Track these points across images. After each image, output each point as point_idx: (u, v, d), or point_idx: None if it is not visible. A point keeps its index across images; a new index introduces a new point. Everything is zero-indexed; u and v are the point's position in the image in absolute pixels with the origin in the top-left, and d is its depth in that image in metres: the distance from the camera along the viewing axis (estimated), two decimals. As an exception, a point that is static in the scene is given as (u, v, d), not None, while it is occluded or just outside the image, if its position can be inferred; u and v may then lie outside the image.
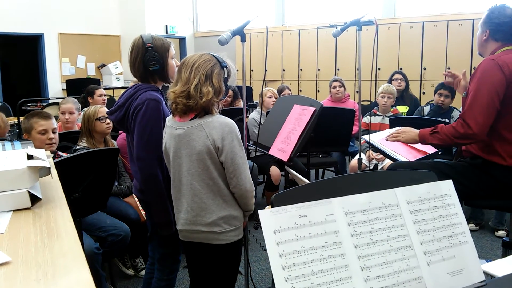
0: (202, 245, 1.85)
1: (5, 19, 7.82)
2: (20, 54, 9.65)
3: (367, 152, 3.78)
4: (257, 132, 2.81)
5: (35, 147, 1.59)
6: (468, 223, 3.70)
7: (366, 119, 4.25)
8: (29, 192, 1.16)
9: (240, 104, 4.80)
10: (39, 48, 8.62)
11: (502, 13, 2.33)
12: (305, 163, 3.06)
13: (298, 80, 8.27)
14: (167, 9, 9.60)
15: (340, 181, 1.10)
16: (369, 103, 5.15)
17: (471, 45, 6.39)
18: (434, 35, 6.74)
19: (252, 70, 8.68)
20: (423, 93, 6.85)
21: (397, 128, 2.77)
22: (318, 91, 7.99)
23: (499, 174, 2.30)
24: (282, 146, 2.53)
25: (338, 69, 7.70)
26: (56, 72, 8.80)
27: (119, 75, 9.40)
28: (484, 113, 2.21)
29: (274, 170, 3.91)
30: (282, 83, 7.21)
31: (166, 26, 9.61)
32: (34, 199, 1.19)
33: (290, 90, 4.96)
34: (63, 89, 8.58)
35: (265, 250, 0.93)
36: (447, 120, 3.94)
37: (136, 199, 2.96)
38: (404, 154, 2.68)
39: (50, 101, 6.86)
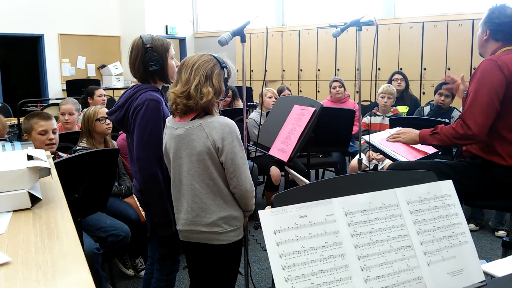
0: (202, 245, 1.85)
1: (5, 20, 7.83)
2: (20, 55, 9.65)
3: (367, 152, 3.77)
4: (256, 133, 2.81)
5: (35, 148, 1.59)
6: (468, 223, 3.71)
7: (366, 119, 4.25)
8: (29, 192, 1.16)
9: (239, 104, 4.80)
10: (39, 49, 8.62)
11: (502, 13, 2.33)
12: (305, 163, 3.06)
13: (298, 80, 8.27)
14: (167, 9, 9.60)
15: (340, 181, 1.10)
16: (369, 103, 5.15)
17: (471, 45, 6.39)
18: (434, 35, 6.74)
19: (252, 71, 8.69)
20: (423, 93, 6.85)
21: (397, 128, 2.78)
22: (318, 91, 7.99)
23: (499, 174, 2.30)
24: (282, 147, 2.53)
25: (338, 70, 7.71)
26: (56, 73, 8.80)
27: (119, 76, 9.40)
28: (483, 114, 2.21)
29: (274, 171, 3.91)
30: (282, 84, 7.21)
31: (166, 26, 9.61)
32: (34, 200, 1.19)
33: (290, 91, 4.95)
34: (63, 90, 8.58)
35: (265, 250, 0.93)
36: (447, 120, 3.94)
37: (136, 199, 2.96)
38: (404, 154, 2.69)
39: (50, 102, 6.86)
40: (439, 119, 3.83)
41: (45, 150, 1.68)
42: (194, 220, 1.82)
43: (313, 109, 2.52)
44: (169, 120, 1.88)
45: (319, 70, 7.97)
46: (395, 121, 3.68)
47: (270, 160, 3.88)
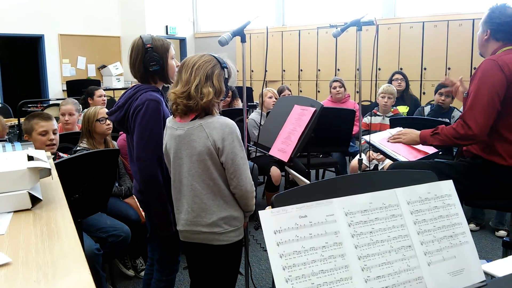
0: (202, 245, 1.85)
1: (6, 20, 7.83)
2: (20, 55, 9.66)
3: (368, 152, 3.77)
4: (256, 134, 2.81)
5: (36, 148, 1.59)
6: (469, 223, 3.70)
7: (366, 120, 4.25)
8: (29, 193, 1.16)
9: (239, 104, 4.80)
10: (39, 49, 8.63)
11: (503, 13, 2.33)
12: (306, 163, 3.06)
13: (298, 80, 8.27)
14: (167, 10, 9.60)
15: (341, 182, 1.10)
16: (369, 103, 5.15)
17: (471, 45, 6.39)
18: (434, 35, 6.74)
19: (252, 71, 8.69)
20: (424, 93, 6.85)
21: (398, 128, 2.78)
22: (318, 91, 7.99)
23: (499, 174, 2.30)
24: (283, 147, 2.53)
25: (338, 70, 7.71)
26: (57, 73, 8.80)
27: (119, 76, 9.41)
28: (484, 114, 2.21)
29: (275, 171, 3.91)
30: (282, 84, 7.21)
31: (166, 27, 9.61)
32: (35, 200, 1.19)
33: (290, 91, 4.95)
34: (63, 90, 8.59)
35: (266, 250, 0.93)
36: (447, 120, 3.94)
37: (136, 200, 2.96)
38: (405, 154, 2.69)
39: (51, 102, 6.86)
40: (440, 119, 3.83)
41: (46, 151, 1.68)
42: (195, 221, 1.82)
43: (313, 109, 2.52)
44: (170, 121, 1.88)
45: (319, 70, 7.97)
46: (396, 121, 3.68)
47: (270, 160, 3.88)
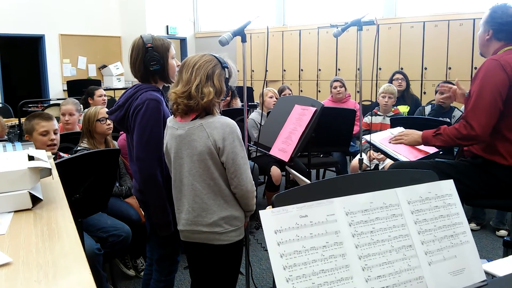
0: (203, 245, 1.85)
1: (6, 20, 7.83)
2: (21, 55, 9.67)
3: (368, 152, 3.77)
4: (255, 134, 2.80)
5: (37, 148, 1.59)
6: (470, 222, 3.70)
7: (367, 119, 4.24)
8: (30, 193, 1.16)
9: (237, 103, 4.80)
10: (40, 49, 8.63)
11: (505, 13, 2.32)
12: (306, 163, 3.06)
13: (299, 80, 8.27)
14: (167, 9, 9.60)
15: (341, 181, 1.09)
16: (370, 103, 5.15)
17: (472, 44, 6.38)
18: (435, 35, 6.73)
19: (252, 71, 8.68)
20: (424, 93, 6.84)
21: (398, 128, 2.77)
22: (319, 91, 7.99)
23: (500, 173, 2.29)
24: (283, 147, 2.53)
25: (339, 69, 7.70)
26: (57, 73, 8.80)
27: (120, 76, 9.41)
28: (487, 114, 2.21)
29: (275, 171, 3.91)
30: (283, 83, 7.21)
31: (167, 26, 9.61)
32: (35, 200, 1.19)
33: (290, 90, 4.95)
34: (64, 90, 8.59)
35: (266, 250, 0.93)
36: (448, 120, 3.94)
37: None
38: (405, 154, 2.68)
39: (51, 102, 6.86)
40: (440, 118, 3.83)
41: (47, 151, 1.69)
42: (195, 220, 1.82)
43: (314, 109, 2.52)
44: (170, 120, 1.88)
45: (320, 70, 7.96)
46: (396, 121, 3.68)
47: (271, 160, 3.88)
